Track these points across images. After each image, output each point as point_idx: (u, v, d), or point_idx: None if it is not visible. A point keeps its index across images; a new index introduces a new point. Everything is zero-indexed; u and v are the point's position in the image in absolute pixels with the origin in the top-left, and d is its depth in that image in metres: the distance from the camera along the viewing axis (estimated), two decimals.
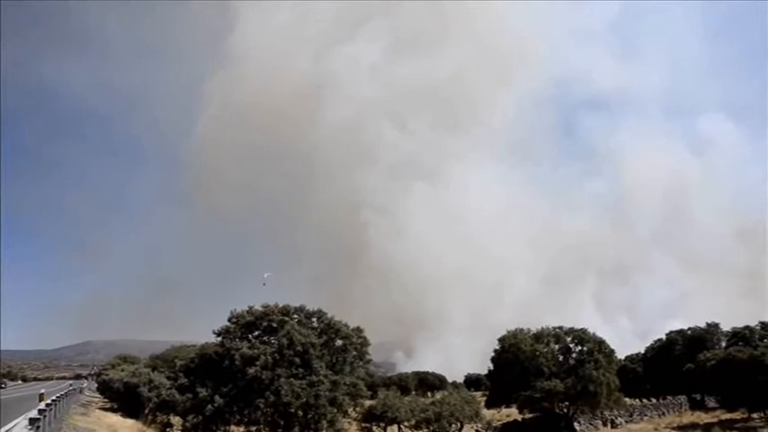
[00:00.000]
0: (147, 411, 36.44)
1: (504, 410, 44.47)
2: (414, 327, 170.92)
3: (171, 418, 35.83)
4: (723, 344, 56.23)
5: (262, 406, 27.54)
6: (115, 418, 35.05)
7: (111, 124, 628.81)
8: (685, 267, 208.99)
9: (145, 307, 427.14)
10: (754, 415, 43.28)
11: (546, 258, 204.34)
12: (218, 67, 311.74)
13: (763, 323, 55.76)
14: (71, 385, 52.86)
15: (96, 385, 71.58)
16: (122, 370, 53.52)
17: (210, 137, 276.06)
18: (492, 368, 42.42)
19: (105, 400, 51.89)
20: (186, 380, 31.05)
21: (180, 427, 32.49)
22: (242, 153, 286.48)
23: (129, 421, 34.79)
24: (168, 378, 36.64)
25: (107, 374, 58.57)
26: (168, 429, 34.41)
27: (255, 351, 28.53)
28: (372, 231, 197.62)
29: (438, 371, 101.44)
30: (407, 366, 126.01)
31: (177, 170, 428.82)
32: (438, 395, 54.94)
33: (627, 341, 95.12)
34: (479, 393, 58.82)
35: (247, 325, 30.71)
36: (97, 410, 39.19)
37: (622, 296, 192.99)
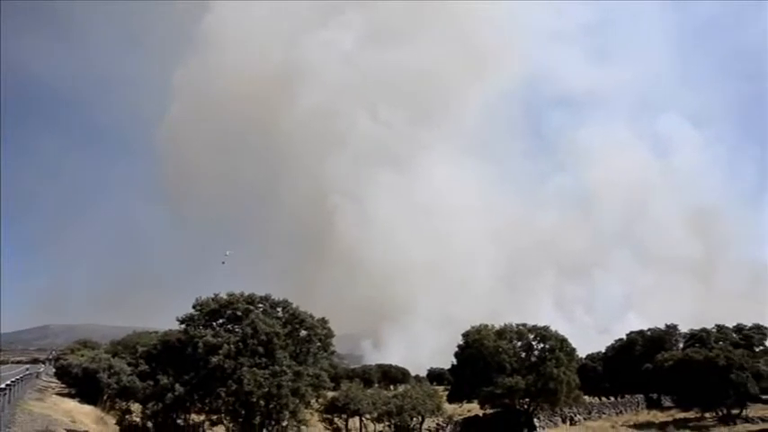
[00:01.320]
0: (105, 398, 35.84)
1: (466, 405, 44.90)
2: (381, 318, 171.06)
3: (131, 405, 35.29)
4: (681, 345, 57.80)
5: (223, 395, 27.33)
6: (72, 404, 34.27)
7: (85, 112, 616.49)
8: (644, 264, 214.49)
9: (109, 293, 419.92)
10: (707, 414, 44.57)
11: (511, 253, 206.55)
12: (192, 54, 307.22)
13: (718, 326, 57.48)
14: (27, 370, 51.51)
15: (54, 370, 70.02)
16: (82, 355, 52.44)
17: (183, 125, 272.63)
18: (455, 363, 42.81)
19: (63, 385, 50.80)
20: (147, 367, 30.69)
21: (139, 415, 32.06)
22: (215, 140, 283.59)
23: (87, 407, 34.09)
24: (129, 364, 36.12)
25: (66, 359, 57.28)
26: (127, 416, 33.91)
27: (219, 339, 28.31)
28: (340, 219, 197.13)
29: (402, 364, 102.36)
30: (374, 358, 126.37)
31: (150, 158, 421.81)
32: (401, 388, 55.17)
33: (588, 337, 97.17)
34: (442, 388, 59.23)
35: (212, 313, 30.42)
36: (54, 396, 38.28)
37: (584, 292, 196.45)
